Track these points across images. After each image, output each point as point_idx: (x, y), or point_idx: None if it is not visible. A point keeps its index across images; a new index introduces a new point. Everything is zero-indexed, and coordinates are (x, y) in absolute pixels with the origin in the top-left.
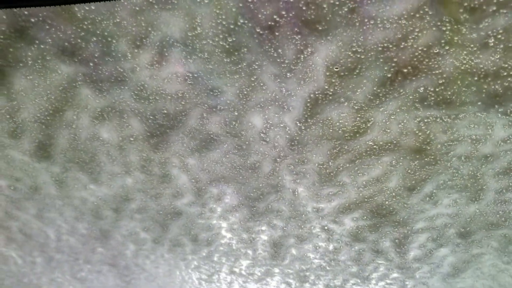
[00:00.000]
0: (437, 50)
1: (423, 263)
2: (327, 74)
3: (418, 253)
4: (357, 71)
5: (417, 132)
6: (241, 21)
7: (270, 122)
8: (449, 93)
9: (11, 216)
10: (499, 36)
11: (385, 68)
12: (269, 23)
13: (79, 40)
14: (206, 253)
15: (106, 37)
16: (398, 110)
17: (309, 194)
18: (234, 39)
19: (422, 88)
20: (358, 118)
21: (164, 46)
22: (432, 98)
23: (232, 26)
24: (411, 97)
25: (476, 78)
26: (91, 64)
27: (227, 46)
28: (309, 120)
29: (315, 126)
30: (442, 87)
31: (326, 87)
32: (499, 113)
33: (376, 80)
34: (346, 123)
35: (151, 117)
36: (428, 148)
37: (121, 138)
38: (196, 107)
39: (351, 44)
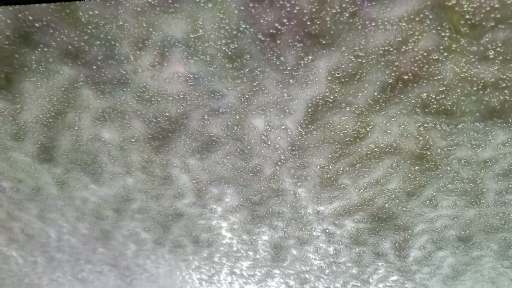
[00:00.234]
0: (436, 57)
1: (423, 266)
2: (329, 78)
3: (418, 255)
4: (358, 76)
5: (417, 136)
6: (243, 26)
7: (272, 126)
8: (450, 102)
9: (13, 217)
10: (498, 49)
11: (387, 71)
12: (271, 30)
13: (82, 44)
14: (207, 254)
15: (110, 40)
16: (398, 114)
17: (310, 197)
18: (236, 45)
19: (424, 95)
20: (359, 123)
21: (165, 46)
22: (434, 106)
23: (234, 32)
24: (412, 102)
25: (475, 88)
26: (94, 67)
27: (230, 53)
28: (310, 126)
29: (316, 131)
30: (443, 95)
31: (327, 93)
32: (498, 124)
33: (378, 83)
34: (347, 127)
35: (153, 119)
36: (428, 153)
37: (123, 138)
38: (197, 108)
39: (353, 48)
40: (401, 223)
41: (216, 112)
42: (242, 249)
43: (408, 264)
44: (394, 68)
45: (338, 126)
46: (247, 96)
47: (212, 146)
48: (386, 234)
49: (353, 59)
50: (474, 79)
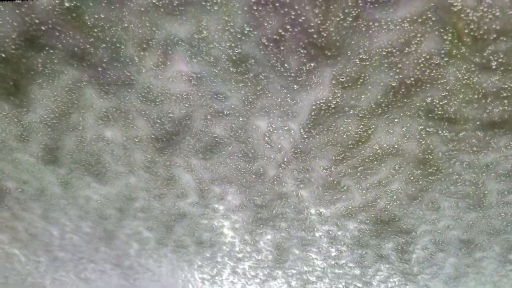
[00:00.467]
0: (438, 61)
1: (425, 267)
2: (333, 83)
3: (420, 257)
4: (362, 80)
5: (420, 140)
6: (248, 29)
7: (275, 129)
8: (452, 109)
9: (17, 217)
10: (500, 60)
11: (390, 73)
12: (275, 36)
13: (88, 46)
14: (209, 254)
15: (115, 43)
16: (402, 116)
17: (313, 198)
18: (240, 50)
19: (428, 99)
20: (361, 126)
21: (168, 44)
22: (438, 113)
23: (239, 36)
24: (417, 106)
25: (476, 96)
26: (99, 68)
27: (234, 58)
28: (313, 130)
29: (319, 135)
30: (445, 101)
31: (331, 97)
32: (499, 134)
33: (382, 85)
34: (350, 129)
35: (158, 120)
36: (430, 157)
37: (126, 138)
38: (201, 108)
39: (358, 50)
40: (404, 226)
41: (220, 114)
42: (245, 250)
43: (410, 266)
44: (397, 70)
45: (342, 128)
46: (250, 99)
47: (216, 147)
48: (389, 236)
49: (357, 62)
50: (477, 86)
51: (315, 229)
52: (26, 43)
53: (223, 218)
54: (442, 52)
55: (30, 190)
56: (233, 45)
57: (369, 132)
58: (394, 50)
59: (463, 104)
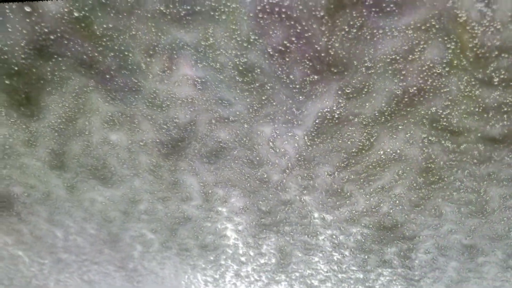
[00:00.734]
0: (440, 70)
1: (427, 272)
2: (339, 93)
3: (422, 262)
4: (366, 89)
5: (423, 149)
6: (253, 37)
7: (280, 136)
8: (455, 120)
9: (23, 220)
10: (502, 76)
11: (394, 80)
12: (280, 47)
13: (96, 54)
14: (213, 257)
15: (123, 51)
16: (405, 122)
17: (316, 203)
18: (246, 59)
19: (433, 109)
20: (365, 134)
21: (173, 48)
22: (443, 123)
23: (245, 44)
24: (421, 114)
25: (477, 109)
26: (107, 76)
27: (241, 68)
28: (317, 137)
29: (323, 143)
30: (448, 110)
31: (335, 108)
32: (499, 148)
33: (386, 91)
34: (355, 136)
35: (164, 126)
36: (432, 166)
37: (131, 141)
38: (206, 113)
39: (363, 58)
40: (406, 231)
41: (226, 120)
42: (248, 253)
43: (412, 271)
44: (401, 77)
45: (346, 135)
46: (255, 108)
47: (220, 152)
48: (391, 241)
49: (363, 71)
50: (479, 100)
51: (318, 233)
52: (35, 52)
53: (227, 221)
54: (444, 61)
55: (37, 194)
56: (238, 53)
57: (372, 140)
58: (398, 57)
59: (464, 115)
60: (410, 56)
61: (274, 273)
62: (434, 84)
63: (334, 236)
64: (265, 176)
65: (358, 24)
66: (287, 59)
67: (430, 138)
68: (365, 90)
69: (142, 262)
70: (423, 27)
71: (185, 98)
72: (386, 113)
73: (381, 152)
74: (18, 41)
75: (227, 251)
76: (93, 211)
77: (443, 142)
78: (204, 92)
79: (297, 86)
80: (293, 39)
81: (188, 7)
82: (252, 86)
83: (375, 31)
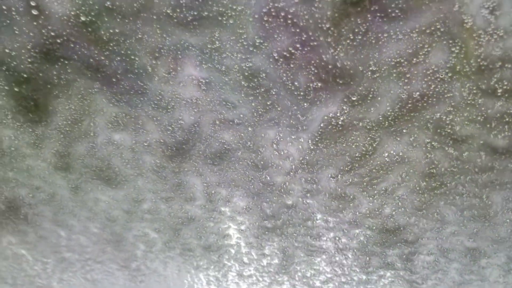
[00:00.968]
0: (443, 75)
1: (430, 274)
2: (344, 100)
3: (425, 265)
4: (371, 95)
5: (427, 154)
6: (259, 41)
7: (283, 140)
8: (457, 128)
9: (28, 220)
10: (505, 87)
11: (399, 83)
12: (285, 53)
13: (102, 58)
14: (215, 257)
15: (129, 55)
16: (410, 126)
17: (320, 206)
18: (251, 64)
19: (437, 114)
20: (369, 138)
21: (178, 49)
22: (447, 131)
23: (251, 48)
24: (426, 119)
25: (479, 118)
26: (113, 79)
27: (246, 74)
28: (320, 144)
29: (327, 148)
30: (451, 116)
31: (339, 114)
32: (500, 159)
33: (391, 97)
34: (359, 140)
35: (169, 128)
36: (435, 171)
37: (135, 141)
38: (210, 113)
39: (368, 62)
40: (409, 234)
41: (230, 123)
42: (251, 253)
43: (415, 273)
44: (406, 81)
45: (350, 139)
46: (260, 112)
47: (225, 154)
48: (394, 244)
49: (369, 75)
50: (482, 108)
51: (321, 234)
52: (42, 55)
53: (230, 221)
54: (448, 65)
55: (41, 195)
56: (243, 57)
57: (375, 145)
58: (402, 60)
59: (466, 122)
60: (415, 59)
61: (276, 274)
62: (437, 89)
63: (337, 238)
64: (269, 178)
65: (363, 30)
66: (292, 65)
67: (433, 143)
68: (370, 96)
69: (145, 262)
70: (427, 31)
71: (190, 99)
72: (390, 118)
73: (386, 154)
74: (24, 44)
75: (230, 251)
76: (97, 210)
77: (446, 148)
78: (209, 93)
79: (302, 93)
80: (298, 45)
81: (195, 13)
82: (257, 91)
83: (379, 35)
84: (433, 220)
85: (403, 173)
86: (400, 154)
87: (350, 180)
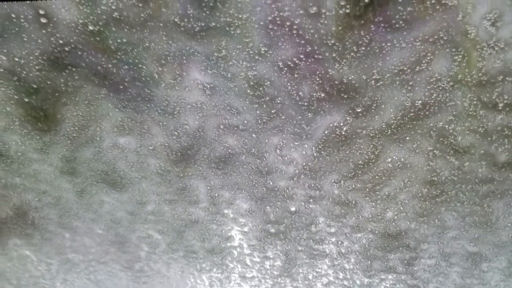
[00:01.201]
0: (444, 84)
1: (431, 277)
2: (349, 112)
3: (426, 268)
4: (376, 104)
5: (428, 161)
6: (264, 49)
7: (287, 147)
8: (459, 138)
9: (34, 224)
10: (506, 101)
11: (402, 91)
12: (289, 63)
13: (110, 66)
14: (219, 259)
15: (137, 64)
16: (412, 134)
17: (323, 211)
18: (256, 72)
19: (440, 123)
20: (371, 146)
21: (183, 54)
22: (450, 140)
23: (256, 57)
24: (427, 127)
25: (480, 129)
26: (121, 86)
27: (252, 83)
28: (323, 152)
29: (330, 156)
30: (452, 125)
31: (342, 124)
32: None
33: (394, 105)
34: (362, 147)
35: (175, 132)
36: (436, 179)
37: (140, 145)
38: (215, 117)
39: (371, 71)
40: (410, 239)
41: (235, 128)
42: (253, 255)
43: (416, 277)
44: (409, 88)
45: (354, 147)
46: (264, 120)
47: (229, 159)
48: (396, 248)
49: (373, 84)
50: (484, 120)
51: (324, 238)
52: (50, 63)
53: (233, 223)
54: (450, 73)
55: (47, 199)
56: (248, 65)
57: (377, 152)
58: (405, 68)
59: (467, 132)
60: (418, 67)
61: (278, 276)
62: (439, 98)
63: (339, 242)
64: (272, 183)
65: (367, 41)
66: (296, 75)
67: (435, 151)
68: (374, 105)
69: (149, 263)
70: (431, 39)
71: (195, 103)
72: (393, 126)
73: (389, 159)
74: (33, 51)
75: (233, 252)
76: (101, 212)
77: (447, 157)
78: (213, 98)
79: (306, 103)
80: (302, 56)
81: (203, 24)
82: (262, 100)
83: (383, 44)
84: (434, 226)
85: (406, 178)
86: (402, 160)
87: (353, 186)
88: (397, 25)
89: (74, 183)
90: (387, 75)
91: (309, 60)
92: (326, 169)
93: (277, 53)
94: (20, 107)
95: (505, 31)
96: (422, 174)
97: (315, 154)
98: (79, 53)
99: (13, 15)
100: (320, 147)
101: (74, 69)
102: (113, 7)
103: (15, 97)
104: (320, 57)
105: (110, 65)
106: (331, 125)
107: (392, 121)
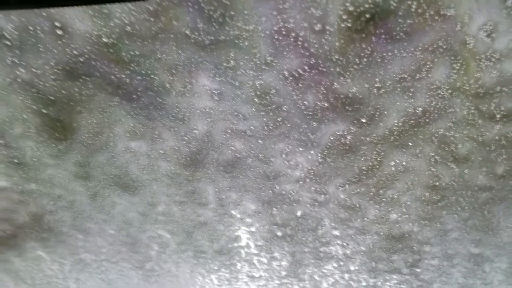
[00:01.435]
0: (443, 92)
1: (435, 277)
2: (354, 122)
3: (430, 269)
4: (379, 112)
5: (430, 167)
6: (270, 58)
7: (292, 154)
8: (460, 146)
9: (49, 227)
10: (503, 113)
11: (404, 97)
12: (294, 73)
13: (123, 76)
14: (228, 260)
15: (149, 75)
16: (415, 140)
17: (328, 214)
18: (263, 81)
19: (441, 130)
20: (375, 152)
21: (192, 62)
22: (450, 148)
23: (263, 66)
24: (429, 133)
25: (479, 138)
26: (134, 96)
27: (258, 92)
28: (328, 158)
29: (334, 162)
30: (452, 132)
31: (345, 133)
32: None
33: (396, 111)
34: (367, 154)
35: (185, 137)
36: (437, 184)
37: (151, 148)
38: (223, 122)
39: (374, 79)
40: (414, 242)
41: (243, 133)
42: (260, 255)
43: (420, 278)
44: (410, 94)
45: (359, 153)
46: (270, 127)
47: (237, 163)
48: (400, 250)
49: (375, 92)
50: (482, 129)
51: (329, 240)
52: (65, 72)
53: (241, 223)
54: (449, 81)
55: (62, 202)
56: (255, 74)
57: (380, 158)
58: (406, 76)
59: (466, 139)
60: (418, 75)
61: (285, 277)
62: (439, 106)
63: (345, 244)
64: (278, 187)
65: (368, 53)
66: (301, 85)
67: (436, 157)
68: (378, 113)
69: (159, 262)
70: (430, 48)
71: (204, 108)
72: (396, 132)
73: (392, 163)
74: (48, 61)
75: (240, 252)
76: (114, 213)
77: (448, 164)
78: (221, 103)
79: (311, 113)
80: (307, 67)
81: (212, 38)
82: (269, 108)
83: (384, 54)
84: (436, 229)
85: (409, 181)
86: (404, 164)
87: (358, 190)
88: (397, 36)
89: (87, 187)
90: (389, 82)
91: (313, 71)
92: (331, 174)
93: (283, 62)
94: (37, 116)
95: (500, 42)
96: (425, 178)
97: (320, 160)
98: (93, 63)
99: (30, 28)
100: (325, 153)
101: (88, 79)
102: (126, 21)
103: (33, 107)
104: (324, 70)
105: (123, 76)
106: (336, 133)
107: (394, 128)
